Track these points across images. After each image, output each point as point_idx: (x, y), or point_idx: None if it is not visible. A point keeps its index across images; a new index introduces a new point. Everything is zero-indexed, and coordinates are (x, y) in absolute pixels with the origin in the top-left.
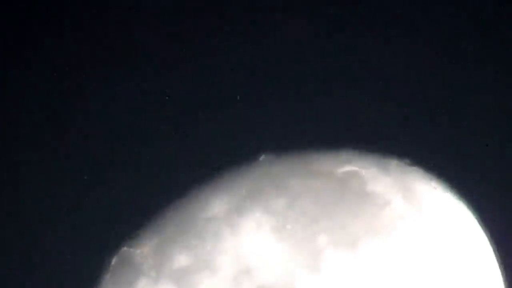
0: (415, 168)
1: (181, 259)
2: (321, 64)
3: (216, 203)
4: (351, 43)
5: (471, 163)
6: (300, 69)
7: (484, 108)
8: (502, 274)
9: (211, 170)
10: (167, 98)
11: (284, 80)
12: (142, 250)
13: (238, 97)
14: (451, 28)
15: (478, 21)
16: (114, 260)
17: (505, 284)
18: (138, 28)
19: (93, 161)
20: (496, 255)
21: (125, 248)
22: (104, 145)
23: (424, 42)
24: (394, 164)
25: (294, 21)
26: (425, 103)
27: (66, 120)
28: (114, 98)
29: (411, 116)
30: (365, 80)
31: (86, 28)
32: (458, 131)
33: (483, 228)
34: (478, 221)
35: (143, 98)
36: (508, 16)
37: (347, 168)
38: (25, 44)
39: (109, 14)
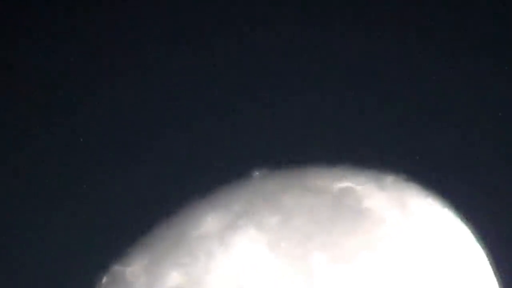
0: (411, 184)
1: (172, 278)
2: (316, 78)
3: (208, 221)
4: (347, 55)
5: (469, 179)
6: (294, 82)
7: (484, 123)
8: (499, 284)
9: (206, 186)
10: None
11: (279, 94)
12: (133, 268)
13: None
14: (453, 43)
15: (478, 32)
16: (104, 279)
17: None
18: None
19: (82, 178)
20: (493, 271)
21: (116, 267)
22: (93, 161)
23: (423, 55)
24: (390, 180)
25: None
26: (422, 119)
27: (48, 135)
28: (100, 114)
29: (408, 131)
30: (362, 95)
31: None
32: (456, 146)
33: (480, 245)
34: (476, 238)
35: (132, 114)
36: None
37: (343, 184)
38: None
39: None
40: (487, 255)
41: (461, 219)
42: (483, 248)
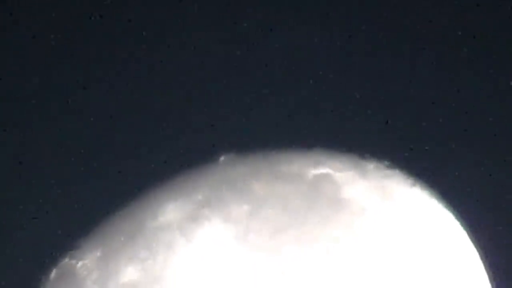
0: (395, 171)
1: (128, 273)
2: (289, 54)
3: (168, 210)
4: (325, 35)
5: (460, 167)
6: (264, 59)
7: (469, 109)
8: (488, 274)
9: (165, 171)
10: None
11: (247, 70)
12: (84, 262)
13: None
14: (443, 33)
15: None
16: (53, 274)
17: (492, 284)
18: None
19: (29, 164)
20: (483, 262)
21: (65, 260)
22: (42, 146)
23: (405, 41)
24: (372, 166)
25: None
26: (410, 98)
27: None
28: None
29: (392, 113)
30: (340, 74)
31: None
32: (442, 131)
33: (469, 237)
34: (465, 230)
35: (88, 96)
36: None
37: (319, 170)
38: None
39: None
40: (476, 246)
41: (451, 211)
42: (472, 239)
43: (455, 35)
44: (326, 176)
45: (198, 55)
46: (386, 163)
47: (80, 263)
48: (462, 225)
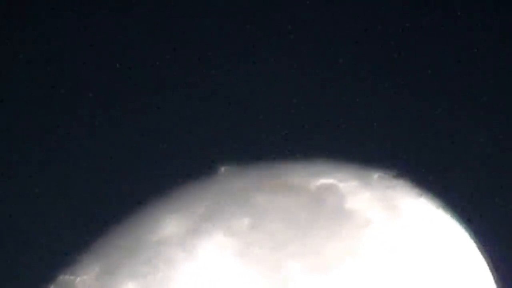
0: (401, 181)
1: None
2: (292, 61)
3: (169, 224)
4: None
5: (467, 176)
6: (266, 69)
7: (482, 118)
8: (497, 286)
9: (165, 183)
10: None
11: (249, 79)
12: (83, 278)
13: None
14: (453, 39)
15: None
16: None
17: None
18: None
19: (29, 176)
20: (492, 273)
21: (64, 276)
22: (40, 157)
23: (409, 46)
24: (376, 176)
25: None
26: (415, 106)
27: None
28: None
29: (398, 121)
30: (346, 82)
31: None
32: (453, 139)
33: (477, 247)
34: (474, 242)
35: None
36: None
37: (322, 181)
38: None
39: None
40: (487, 262)
41: (458, 221)
42: (481, 253)
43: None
44: (329, 187)
45: (199, 66)
46: (392, 173)
47: (78, 279)
48: (469, 235)
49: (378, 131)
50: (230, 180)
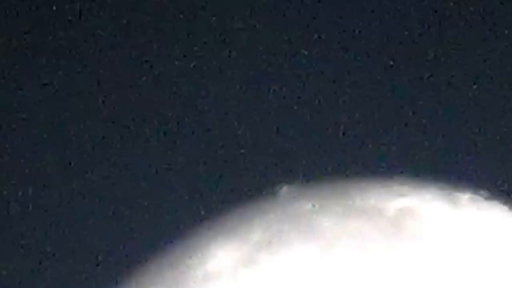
0: (496, 203)
1: None
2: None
3: (219, 254)
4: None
5: None
6: (331, 72)
7: None
8: None
9: (215, 207)
10: None
11: (311, 82)
12: None
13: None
14: None
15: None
16: None
17: None
18: None
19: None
20: None
21: None
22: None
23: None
24: (466, 198)
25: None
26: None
27: None
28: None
29: (489, 133)
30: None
31: None
32: None
33: None
34: None
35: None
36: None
37: (401, 203)
38: None
39: None
40: None
41: None
42: None
43: None
44: (411, 210)
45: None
46: (484, 194)
47: None
48: None
49: (469, 145)
50: (292, 202)
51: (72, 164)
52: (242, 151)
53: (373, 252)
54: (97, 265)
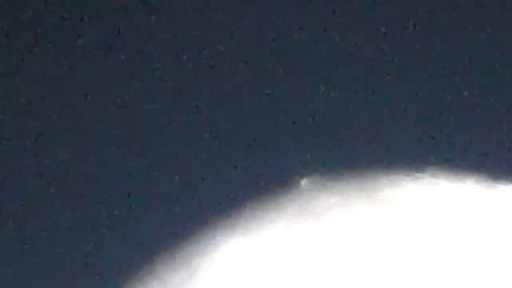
0: None
1: None
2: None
3: (233, 252)
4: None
5: None
6: (357, 59)
7: None
8: None
9: (229, 202)
10: None
11: (335, 68)
12: None
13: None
14: None
15: None
16: None
17: None
18: None
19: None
20: None
21: None
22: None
23: None
24: (503, 189)
25: None
26: None
27: None
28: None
29: None
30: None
31: None
32: None
33: None
34: None
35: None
36: None
37: (434, 196)
38: None
39: None
40: None
41: None
42: None
43: None
44: (444, 203)
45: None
46: None
47: None
48: None
49: (505, 137)
50: (313, 196)
51: (74, 161)
52: (261, 142)
53: (402, 249)
54: (101, 265)
